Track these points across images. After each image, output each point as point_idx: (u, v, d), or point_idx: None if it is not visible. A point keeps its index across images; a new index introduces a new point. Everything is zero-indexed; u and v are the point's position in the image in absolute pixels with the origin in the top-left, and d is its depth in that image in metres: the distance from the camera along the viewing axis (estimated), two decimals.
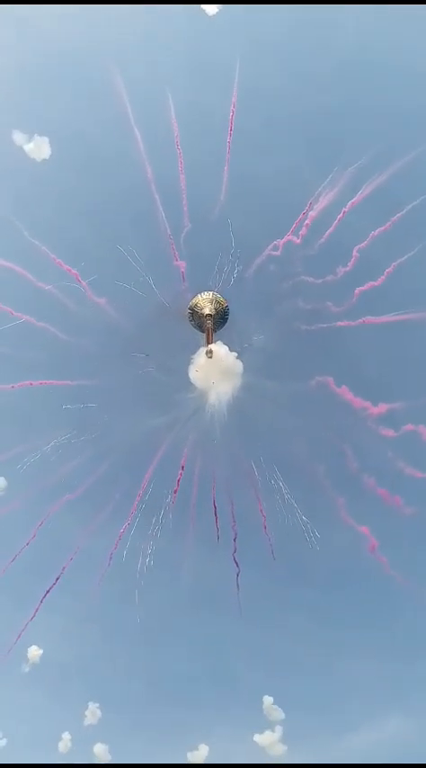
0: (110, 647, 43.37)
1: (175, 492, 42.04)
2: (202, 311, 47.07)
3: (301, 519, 40.06)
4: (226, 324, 47.88)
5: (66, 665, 43.09)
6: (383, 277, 40.25)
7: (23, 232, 40.34)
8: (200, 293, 47.22)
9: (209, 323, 47.07)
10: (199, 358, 45.07)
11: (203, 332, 47.34)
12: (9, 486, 41.89)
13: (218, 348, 46.09)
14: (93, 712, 39.16)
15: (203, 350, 45.18)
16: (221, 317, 47.51)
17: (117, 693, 42.56)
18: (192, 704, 41.84)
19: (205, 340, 46.70)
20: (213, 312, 47.09)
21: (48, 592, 39.33)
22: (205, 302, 47.43)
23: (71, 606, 42.39)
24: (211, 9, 38.73)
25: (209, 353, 45.10)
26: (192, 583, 42.22)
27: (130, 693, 42.63)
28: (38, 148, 40.12)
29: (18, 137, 39.93)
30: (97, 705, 39.48)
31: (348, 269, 40.70)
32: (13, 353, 41.45)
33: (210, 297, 47.47)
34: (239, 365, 45.33)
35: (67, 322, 42.23)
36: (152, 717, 41.35)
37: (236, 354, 45.40)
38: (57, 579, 39.49)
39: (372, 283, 40.29)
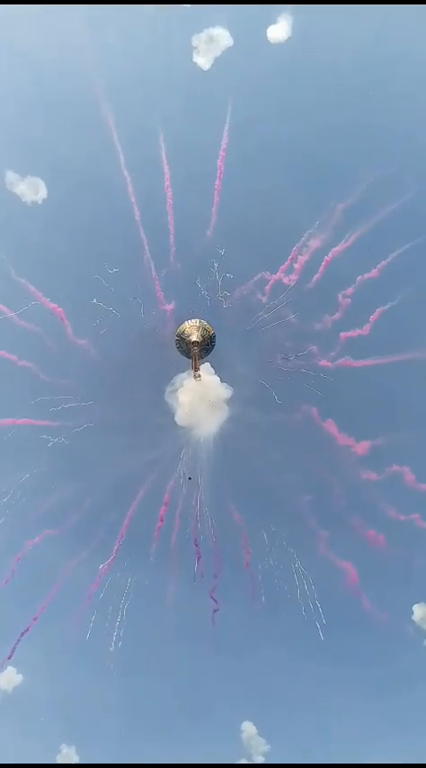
0: (87, 684, 42.57)
1: (159, 528, 41.89)
2: (189, 338, 47.07)
3: (289, 552, 40.47)
4: (213, 351, 48.09)
5: (41, 700, 42.24)
6: (368, 325, 40.99)
7: (10, 269, 40.03)
8: (187, 320, 47.24)
9: (196, 349, 47.06)
10: (183, 394, 44.97)
11: (190, 358, 47.35)
12: None
13: (206, 377, 46.17)
14: (67, 756, 38.17)
15: (184, 384, 45.27)
16: (207, 344, 47.60)
17: (92, 731, 41.81)
18: (171, 740, 41.24)
19: (192, 366, 46.69)
20: (200, 339, 47.14)
21: (23, 633, 38.51)
22: (192, 329, 47.38)
23: (48, 642, 41.62)
24: (206, 63, 39.36)
25: (198, 377, 45.14)
26: (175, 619, 41.89)
27: (105, 731, 41.95)
28: (30, 190, 39.99)
29: (10, 176, 39.86)
30: (73, 748, 38.58)
31: (335, 317, 41.35)
32: None
33: (197, 324, 47.49)
34: (226, 393, 45.45)
35: (50, 361, 41.95)
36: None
37: (225, 385, 45.66)
38: (35, 619, 38.82)
39: (358, 331, 40.96)
